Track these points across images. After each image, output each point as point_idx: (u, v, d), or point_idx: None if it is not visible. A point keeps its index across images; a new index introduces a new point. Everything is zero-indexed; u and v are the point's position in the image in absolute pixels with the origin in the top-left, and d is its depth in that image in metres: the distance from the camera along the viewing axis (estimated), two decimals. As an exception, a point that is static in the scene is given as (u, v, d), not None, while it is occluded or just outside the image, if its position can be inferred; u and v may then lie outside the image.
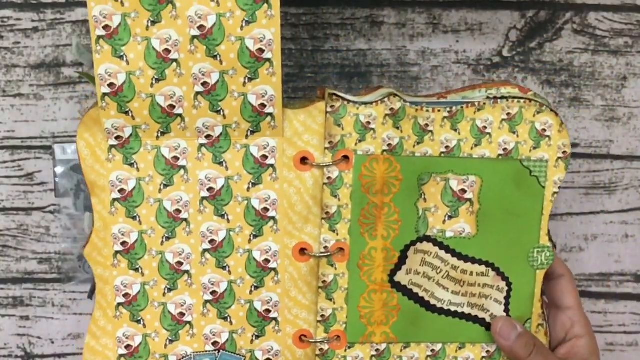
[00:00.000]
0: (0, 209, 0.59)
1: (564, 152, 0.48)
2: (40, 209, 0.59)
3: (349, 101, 0.46)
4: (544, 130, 0.48)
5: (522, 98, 0.48)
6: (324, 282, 0.48)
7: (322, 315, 0.48)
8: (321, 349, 0.49)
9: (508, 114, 0.47)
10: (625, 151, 0.59)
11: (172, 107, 0.45)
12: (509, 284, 0.49)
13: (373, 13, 0.59)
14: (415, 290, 0.49)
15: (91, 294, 0.58)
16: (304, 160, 0.46)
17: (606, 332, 0.59)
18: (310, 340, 0.48)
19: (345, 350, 0.49)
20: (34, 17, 0.59)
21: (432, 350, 0.50)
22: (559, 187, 0.48)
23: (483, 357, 0.50)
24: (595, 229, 0.59)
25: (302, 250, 0.47)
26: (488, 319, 0.49)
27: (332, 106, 0.46)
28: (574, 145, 0.59)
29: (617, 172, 0.59)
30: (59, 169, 0.58)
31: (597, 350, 0.50)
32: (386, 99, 0.46)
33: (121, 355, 0.48)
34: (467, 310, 0.49)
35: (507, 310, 0.50)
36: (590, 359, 0.49)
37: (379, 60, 0.59)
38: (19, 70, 0.59)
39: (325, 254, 0.47)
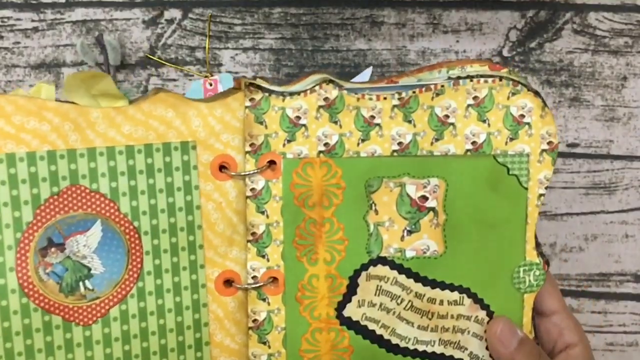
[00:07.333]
0: (0, 209, 0.59)
1: (549, 143, 0.38)
2: (40, 209, 0.59)
3: (271, 92, 0.37)
4: (522, 115, 0.38)
5: (490, 76, 0.37)
6: (254, 320, 0.38)
7: None
8: None
9: (475, 97, 0.37)
10: (625, 151, 0.59)
11: None
12: (489, 314, 0.39)
13: (373, 13, 0.59)
14: (371, 326, 0.38)
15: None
16: (222, 167, 0.37)
17: (606, 332, 0.59)
18: None
19: None
20: (34, 17, 0.59)
21: None
22: (546, 188, 0.38)
23: None
24: (595, 229, 0.59)
25: (228, 282, 0.38)
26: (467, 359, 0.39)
27: (251, 99, 0.36)
28: (574, 145, 0.59)
29: (617, 172, 0.59)
30: (59, 169, 0.58)
31: (593, 358, 0.41)
32: (318, 87, 0.37)
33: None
34: (438, 349, 0.39)
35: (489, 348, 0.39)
36: None
37: (379, 60, 0.59)
38: (19, 70, 0.59)
39: (255, 285, 0.37)
